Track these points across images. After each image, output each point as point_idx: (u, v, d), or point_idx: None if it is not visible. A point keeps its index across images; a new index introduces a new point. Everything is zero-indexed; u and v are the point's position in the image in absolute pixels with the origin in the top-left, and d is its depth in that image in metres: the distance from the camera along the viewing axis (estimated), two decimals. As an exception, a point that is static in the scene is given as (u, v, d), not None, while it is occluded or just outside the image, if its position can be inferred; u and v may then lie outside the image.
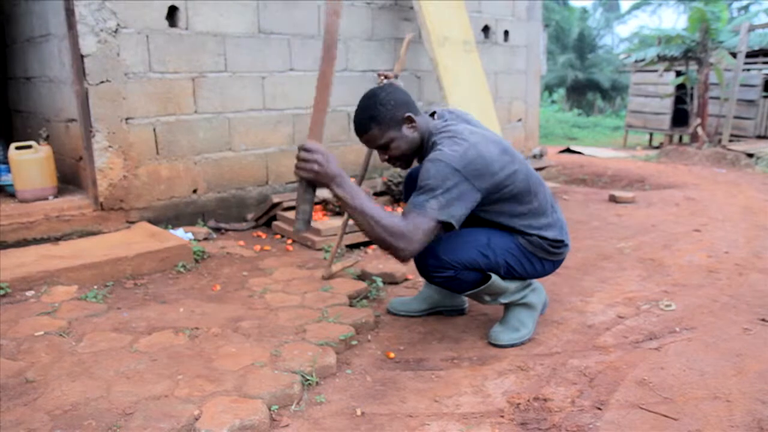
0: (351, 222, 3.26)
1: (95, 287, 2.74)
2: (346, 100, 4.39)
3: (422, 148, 2.14)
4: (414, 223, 1.87)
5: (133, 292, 2.72)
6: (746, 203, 4.98)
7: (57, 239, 3.25)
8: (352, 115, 4.39)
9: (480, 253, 2.07)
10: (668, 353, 2.15)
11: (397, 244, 1.85)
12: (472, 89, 4.47)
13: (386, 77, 2.65)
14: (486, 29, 5.30)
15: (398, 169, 4.13)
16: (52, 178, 3.52)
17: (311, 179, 1.84)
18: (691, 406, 1.80)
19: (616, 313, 2.54)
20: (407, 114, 2.06)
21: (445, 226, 1.92)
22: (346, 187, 1.83)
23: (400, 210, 3.85)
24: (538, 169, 5.14)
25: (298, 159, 1.83)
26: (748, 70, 11.67)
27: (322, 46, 1.94)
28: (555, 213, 2.23)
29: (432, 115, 2.20)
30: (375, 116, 2.02)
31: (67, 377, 1.92)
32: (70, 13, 3.19)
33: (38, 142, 3.52)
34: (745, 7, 28.77)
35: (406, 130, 2.08)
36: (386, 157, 2.12)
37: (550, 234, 2.16)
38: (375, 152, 2.91)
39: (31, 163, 3.43)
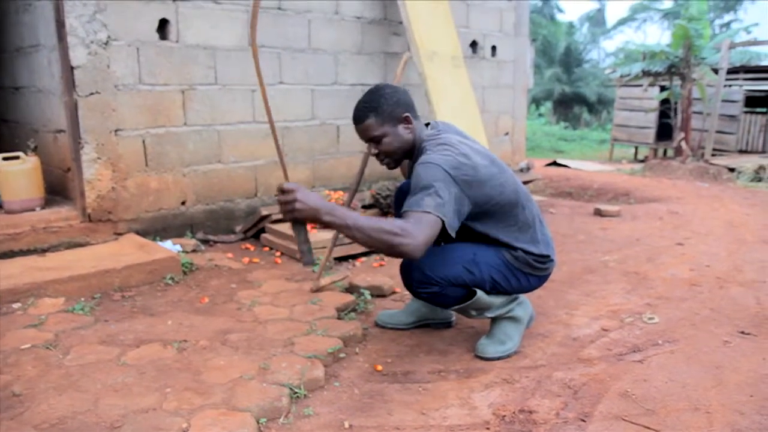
0: (341, 235, 3.28)
1: (82, 299, 2.73)
2: (335, 113, 4.43)
3: (413, 152, 2.19)
4: (413, 218, 1.86)
5: (120, 305, 2.72)
6: (728, 217, 5.07)
7: (44, 251, 3.23)
8: (342, 128, 4.47)
9: (465, 270, 2.10)
10: (651, 365, 2.19)
11: (400, 241, 1.81)
12: (460, 103, 4.52)
13: None
14: (474, 44, 5.38)
15: (387, 183, 4.16)
16: (40, 189, 3.50)
17: (297, 217, 1.86)
18: (672, 417, 1.83)
19: (600, 326, 2.58)
20: (406, 114, 2.12)
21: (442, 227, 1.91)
22: (333, 212, 1.83)
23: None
24: (525, 183, 5.20)
25: (279, 202, 1.86)
26: (730, 85, 11.90)
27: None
28: (542, 228, 2.27)
29: (426, 125, 2.25)
30: (376, 107, 2.08)
31: (54, 390, 1.92)
32: (60, 24, 3.20)
33: (26, 153, 3.51)
34: (726, 24, 29.38)
35: (402, 130, 2.13)
36: (376, 151, 2.16)
37: (536, 249, 2.20)
38: (367, 166, 2.96)
39: (18, 174, 3.41)
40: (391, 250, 1.85)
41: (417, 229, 1.83)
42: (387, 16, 4.63)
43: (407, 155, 2.21)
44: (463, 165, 1.99)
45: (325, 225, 1.85)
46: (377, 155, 2.17)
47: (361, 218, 1.85)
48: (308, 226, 3.69)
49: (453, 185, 1.94)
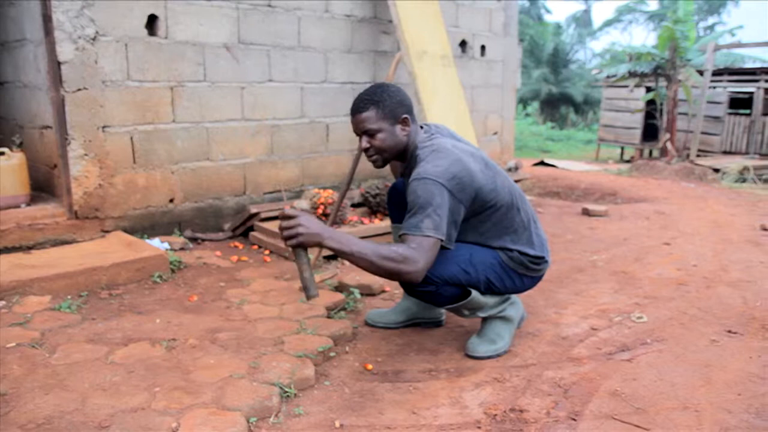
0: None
1: (69, 297, 2.70)
2: (324, 111, 4.41)
3: (405, 154, 2.18)
4: (414, 243, 1.91)
5: (108, 303, 2.69)
6: (713, 217, 5.12)
7: (29, 248, 3.19)
8: (331, 126, 4.46)
9: (461, 269, 2.10)
10: (640, 364, 2.21)
11: (402, 268, 1.88)
12: (450, 103, 4.53)
13: None
14: (463, 44, 5.38)
15: (376, 182, 4.15)
16: (25, 186, 3.46)
17: (300, 243, 1.89)
18: (662, 416, 1.85)
19: (589, 325, 2.59)
20: (405, 115, 2.11)
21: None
22: (335, 238, 1.89)
23: (377, 221, 3.88)
24: (514, 182, 5.22)
25: (281, 229, 1.90)
26: (714, 87, 12.04)
27: None
28: (536, 229, 2.27)
29: (420, 128, 2.23)
30: (378, 101, 2.07)
31: (40, 390, 1.89)
32: (47, 19, 3.16)
33: (11, 149, 3.47)
34: (711, 27, 29.74)
35: (399, 130, 2.12)
36: (368, 145, 2.13)
37: (531, 250, 2.21)
38: (359, 166, 2.95)
39: (3, 170, 3.36)
40: (394, 277, 1.94)
41: (418, 254, 1.89)
42: (377, 15, 4.62)
43: (398, 156, 2.20)
44: (456, 171, 1.99)
45: (328, 250, 1.91)
46: (367, 150, 2.14)
47: (363, 244, 1.89)
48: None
49: (449, 197, 1.96)
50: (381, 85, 2.13)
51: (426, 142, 2.12)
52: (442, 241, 1.95)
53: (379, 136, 2.10)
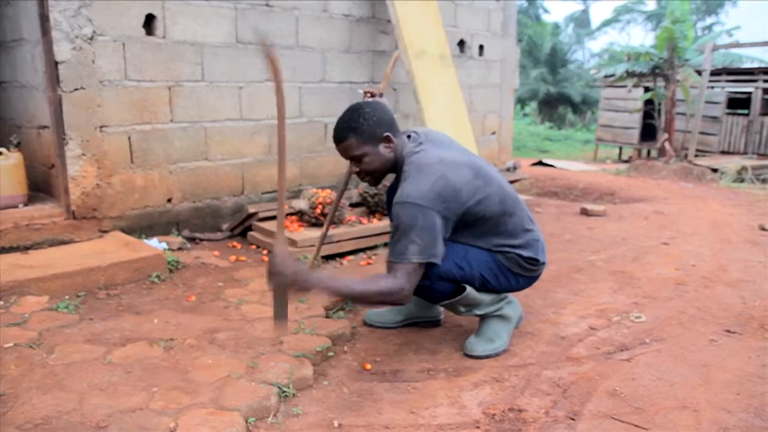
0: (329, 233, 3.27)
1: (67, 298, 2.69)
2: (322, 111, 4.41)
3: (395, 167, 2.17)
4: (399, 273, 1.96)
5: (106, 303, 2.68)
6: (712, 217, 5.12)
7: (27, 248, 3.18)
8: (329, 125, 4.45)
9: (456, 265, 2.10)
10: (639, 364, 2.21)
11: (392, 299, 1.98)
12: (448, 102, 4.53)
13: (372, 95, 2.65)
14: (462, 43, 5.38)
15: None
16: (23, 186, 3.45)
17: (293, 290, 1.97)
18: (661, 416, 1.85)
19: (588, 324, 2.59)
20: (386, 133, 2.09)
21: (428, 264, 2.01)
22: (325, 284, 1.94)
23: (376, 221, 3.87)
24: (512, 182, 5.22)
25: (272, 275, 1.92)
26: (712, 87, 12.06)
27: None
28: (532, 232, 2.25)
29: (408, 138, 2.21)
30: (355, 128, 2.06)
31: (38, 390, 1.88)
32: (44, 18, 3.15)
33: (8, 149, 3.45)
34: (709, 27, 29.83)
35: (383, 149, 2.10)
36: (357, 169, 2.15)
37: (525, 252, 2.20)
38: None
39: (0, 170, 3.35)
40: (385, 305, 2.20)
41: (404, 281, 1.95)
42: (375, 15, 4.62)
43: (389, 172, 2.20)
44: (440, 189, 1.98)
45: (317, 293, 1.97)
46: (358, 173, 2.16)
47: (351, 284, 1.97)
48: (297, 225, 3.67)
49: (434, 217, 1.96)
50: (356, 108, 2.09)
51: (412, 156, 2.09)
52: (430, 259, 1.98)
53: (365, 159, 2.10)
